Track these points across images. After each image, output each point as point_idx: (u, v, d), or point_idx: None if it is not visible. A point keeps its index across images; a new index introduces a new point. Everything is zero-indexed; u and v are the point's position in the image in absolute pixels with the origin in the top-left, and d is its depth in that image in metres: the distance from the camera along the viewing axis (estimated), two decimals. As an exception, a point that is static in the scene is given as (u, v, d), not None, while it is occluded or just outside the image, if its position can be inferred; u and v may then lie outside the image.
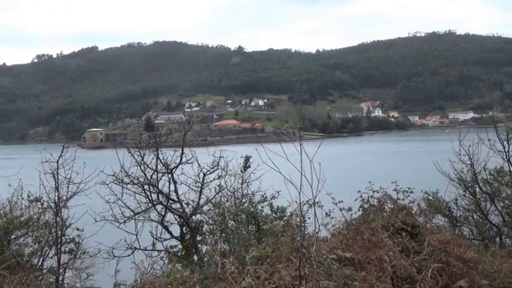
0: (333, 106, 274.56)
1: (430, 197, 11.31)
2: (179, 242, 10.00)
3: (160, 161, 9.94)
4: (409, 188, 8.61)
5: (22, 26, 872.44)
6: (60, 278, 9.56)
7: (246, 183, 10.73)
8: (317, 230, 6.27)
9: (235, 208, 10.03)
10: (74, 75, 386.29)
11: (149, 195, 9.81)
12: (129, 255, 9.33)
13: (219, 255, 6.60)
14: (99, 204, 9.56)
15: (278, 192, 9.89)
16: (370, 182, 8.47)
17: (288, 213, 9.23)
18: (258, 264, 5.86)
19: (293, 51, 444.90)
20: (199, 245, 9.89)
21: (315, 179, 5.37)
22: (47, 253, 10.29)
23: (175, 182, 10.07)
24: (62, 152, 9.66)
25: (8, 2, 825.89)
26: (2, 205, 10.77)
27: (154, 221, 9.88)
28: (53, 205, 9.80)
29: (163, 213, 9.90)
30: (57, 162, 9.56)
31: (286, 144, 5.90)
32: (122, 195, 9.56)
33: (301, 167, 5.36)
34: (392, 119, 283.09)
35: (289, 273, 5.45)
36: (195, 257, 9.55)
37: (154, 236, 9.88)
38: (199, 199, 10.15)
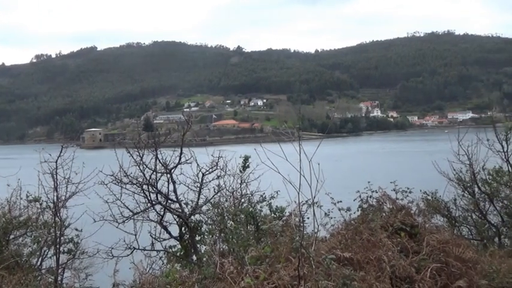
0: (331, 106, 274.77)
1: (429, 197, 11.31)
2: (178, 242, 9.99)
3: (159, 161, 9.93)
4: (408, 188, 8.61)
5: (21, 26, 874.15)
6: (59, 278, 9.55)
7: (245, 183, 10.73)
8: (316, 230, 6.28)
9: (234, 208, 10.02)
10: (73, 75, 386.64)
11: (148, 195, 9.80)
12: (128, 255, 9.33)
13: (218, 255, 6.60)
14: (98, 204, 9.55)
15: (277, 192, 9.89)
16: (369, 182, 8.46)
17: (287, 213, 9.23)
18: (257, 264, 5.85)
19: (292, 51, 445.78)
20: (198, 245, 9.89)
21: (314, 179, 5.37)
22: (45, 253, 10.28)
23: (174, 182, 10.07)
24: (60, 152, 9.66)
25: (7, 2, 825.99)
26: (0, 205, 10.79)
27: (153, 221, 9.88)
28: (51, 205, 9.79)
29: (162, 213, 9.89)
30: (56, 162, 9.56)
31: (285, 144, 5.90)
32: (121, 195, 9.56)
33: (300, 167, 5.36)
34: (391, 119, 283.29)
35: (288, 273, 5.45)
36: (194, 257, 9.55)
37: (153, 236, 9.87)
38: (198, 199, 10.15)
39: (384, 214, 7.60)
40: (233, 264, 6.01)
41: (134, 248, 9.49)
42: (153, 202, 9.85)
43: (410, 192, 8.57)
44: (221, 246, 8.49)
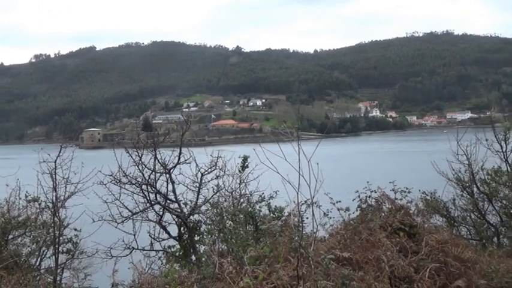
0: (330, 106, 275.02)
1: (428, 197, 11.31)
2: (177, 242, 9.99)
3: (158, 161, 9.93)
4: (406, 188, 8.60)
5: (21, 26, 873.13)
6: (58, 278, 9.55)
7: (244, 183, 10.74)
8: (315, 230, 6.28)
9: (233, 208, 10.03)
10: (72, 75, 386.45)
11: (147, 195, 9.80)
12: (127, 255, 9.33)
13: (217, 255, 6.60)
14: (97, 204, 9.55)
15: (276, 192, 9.88)
16: (368, 182, 8.46)
17: (286, 213, 9.22)
18: (256, 264, 5.85)
19: (291, 51, 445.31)
20: (197, 245, 9.89)
21: (313, 179, 5.37)
22: (44, 253, 10.28)
23: (173, 182, 10.07)
24: (59, 152, 9.64)
25: (7, 2, 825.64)
26: (-1, 205, 10.78)
27: (152, 221, 9.88)
28: (50, 205, 9.78)
29: (161, 213, 9.89)
30: (55, 162, 9.55)
31: (284, 144, 5.89)
32: (120, 195, 9.56)
33: (299, 167, 5.36)
34: (390, 119, 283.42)
35: (287, 273, 5.45)
36: (193, 257, 9.55)
37: (152, 236, 9.87)
38: (197, 199, 10.15)
39: (383, 214, 7.59)
40: (232, 264, 6.01)
41: (133, 248, 9.49)
42: (152, 202, 9.85)
43: (409, 192, 8.56)
44: (220, 246, 8.49)
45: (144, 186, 9.76)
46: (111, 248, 9.41)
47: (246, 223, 9.20)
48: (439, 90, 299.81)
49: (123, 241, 9.41)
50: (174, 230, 10.06)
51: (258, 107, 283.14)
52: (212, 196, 10.25)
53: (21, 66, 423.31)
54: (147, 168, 9.81)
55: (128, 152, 9.88)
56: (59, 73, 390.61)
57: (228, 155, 10.78)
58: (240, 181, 10.74)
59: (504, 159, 11.40)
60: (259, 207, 9.88)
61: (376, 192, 8.26)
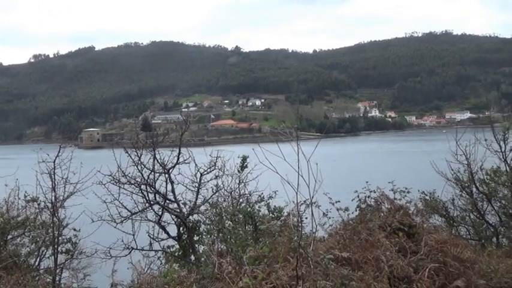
0: (330, 106, 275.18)
1: (427, 197, 11.31)
2: (176, 242, 9.98)
3: (157, 161, 9.92)
4: (406, 188, 8.60)
5: (20, 26, 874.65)
6: (57, 278, 9.54)
7: (243, 183, 10.74)
8: (314, 230, 6.27)
9: (233, 208, 10.03)
10: (71, 75, 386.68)
11: (146, 195, 9.79)
12: (126, 255, 9.32)
13: (216, 255, 6.60)
14: (96, 204, 9.53)
15: (275, 192, 9.88)
16: (367, 182, 8.46)
17: (285, 213, 9.22)
18: (255, 264, 5.85)
19: (290, 51, 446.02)
20: (196, 245, 9.88)
21: (312, 179, 5.37)
22: (43, 253, 10.27)
23: (172, 182, 10.06)
24: (58, 152, 9.63)
25: (7, 2, 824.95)
26: (-2, 205, 10.77)
27: (152, 221, 9.87)
28: (49, 205, 9.78)
29: (160, 213, 9.88)
30: (54, 162, 9.55)
31: (283, 144, 5.90)
32: (119, 195, 9.54)
33: (298, 167, 5.36)
34: (389, 119, 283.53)
35: (286, 273, 5.44)
36: (192, 257, 9.55)
37: (152, 236, 9.86)
38: (196, 199, 10.14)
39: (382, 214, 7.59)
40: (231, 264, 6.01)
41: (132, 248, 9.48)
42: (151, 202, 9.83)
43: (408, 192, 8.56)
44: (219, 246, 8.48)
45: (143, 186, 9.75)
46: (110, 248, 9.39)
47: (245, 223, 9.19)
48: (438, 90, 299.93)
49: (122, 241, 9.40)
50: (173, 230, 10.05)
51: (257, 107, 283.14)
52: (211, 196, 10.25)
53: (20, 66, 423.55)
54: (146, 168, 9.80)
55: (127, 152, 9.86)
56: (58, 73, 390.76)
57: (227, 155, 10.78)
58: (239, 181, 10.74)
59: (503, 159, 11.39)
60: (259, 207, 9.88)
61: (375, 192, 8.26)
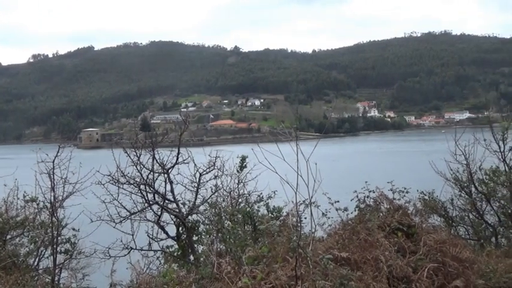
0: (329, 106, 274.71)
1: (426, 197, 11.33)
2: (175, 242, 9.98)
3: (156, 161, 9.91)
4: (405, 188, 8.61)
5: (19, 25, 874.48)
6: (56, 278, 9.53)
7: (242, 183, 10.74)
8: (313, 230, 6.27)
9: (232, 208, 10.03)
10: (70, 75, 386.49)
11: (145, 195, 9.78)
12: (125, 255, 9.31)
13: (215, 255, 6.60)
14: (95, 204, 9.53)
15: (274, 192, 9.89)
16: (366, 182, 8.48)
17: (284, 213, 9.24)
18: (254, 264, 5.85)
19: (289, 51, 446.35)
20: (195, 245, 9.88)
21: (311, 179, 5.37)
22: (42, 253, 10.27)
23: (171, 182, 10.05)
24: (57, 152, 9.63)
25: (7, 2, 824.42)
26: (-3, 205, 10.76)
27: (151, 221, 9.86)
28: (48, 205, 9.77)
29: (159, 213, 9.88)
30: (53, 162, 9.54)
31: (283, 144, 5.90)
32: (118, 195, 9.53)
33: (298, 167, 5.35)
34: (389, 119, 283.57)
35: (285, 273, 5.45)
36: (191, 257, 9.54)
37: (151, 236, 9.86)
38: (195, 199, 10.14)
39: (381, 214, 7.60)
40: (230, 264, 6.01)
41: (131, 248, 9.47)
42: (150, 202, 9.83)
43: (407, 192, 8.57)
44: (218, 246, 8.49)
45: (142, 186, 9.74)
46: (109, 248, 9.39)
47: (244, 223, 9.19)
48: (437, 90, 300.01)
49: (121, 241, 9.39)
50: (172, 230, 10.04)
51: (257, 107, 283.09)
52: (210, 196, 10.25)
53: (19, 66, 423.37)
54: (145, 168, 9.79)
55: (126, 152, 9.85)
56: (57, 73, 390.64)
57: (226, 155, 10.78)
58: (239, 181, 10.74)
59: (502, 159, 11.40)
60: (258, 207, 9.89)
61: (374, 192, 8.27)
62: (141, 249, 9.65)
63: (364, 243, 6.46)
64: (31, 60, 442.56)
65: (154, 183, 9.87)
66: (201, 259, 8.31)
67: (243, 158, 10.81)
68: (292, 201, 5.98)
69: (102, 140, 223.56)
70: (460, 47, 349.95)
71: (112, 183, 9.54)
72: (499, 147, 11.39)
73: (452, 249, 6.61)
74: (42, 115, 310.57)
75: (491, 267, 6.60)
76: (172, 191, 10.03)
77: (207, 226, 9.96)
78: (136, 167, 9.71)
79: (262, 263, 5.84)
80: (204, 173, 10.29)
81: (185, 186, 10.23)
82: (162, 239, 9.95)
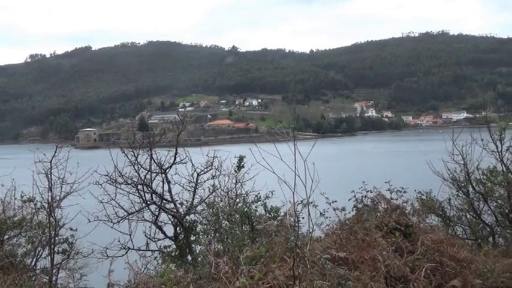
0: (326, 106, 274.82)
1: (424, 197, 11.32)
2: (173, 242, 9.97)
3: (154, 161, 9.91)
4: (402, 188, 8.62)
5: (16, 25, 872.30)
6: (54, 279, 9.52)
7: (239, 183, 10.72)
8: (311, 230, 6.27)
9: (229, 208, 10.02)
10: (68, 75, 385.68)
11: (143, 195, 9.77)
12: (123, 255, 9.29)
13: (213, 255, 6.60)
14: (93, 204, 9.52)
15: (272, 192, 9.89)
16: (363, 182, 8.48)
17: (282, 213, 9.23)
18: (252, 264, 5.85)
19: (287, 51, 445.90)
20: (193, 245, 9.88)
21: (309, 178, 5.37)
22: (40, 253, 10.25)
23: (169, 182, 10.05)
24: (55, 152, 9.62)
25: (5, 2, 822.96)
26: (-5, 205, 10.74)
27: (148, 221, 9.85)
28: (46, 205, 9.76)
29: (157, 213, 9.87)
30: (51, 162, 9.52)
31: (280, 144, 5.90)
32: (116, 195, 9.52)
33: (295, 167, 5.36)
34: (386, 119, 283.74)
35: (283, 273, 5.45)
36: (189, 257, 9.54)
37: (148, 236, 9.85)
38: (193, 199, 10.13)
39: (379, 214, 7.61)
40: (228, 264, 6.01)
41: (129, 248, 9.46)
42: (148, 202, 9.82)
43: (405, 192, 8.58)
44: (216, 246, 8.48)
45: (139, 186, 9.73)
46: (107, 248, 9.37)
47: (242, 223, 9.20)
48: (434, 90, 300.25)
49: (119, 241, 9.37)
50: (170, 230, 10.04)
51: (254, 107, 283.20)
52: (208, 196, 10.24)
53: (17, 66, 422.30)
54: (143, 168, 9.79)
55: (123, 152, 9.85)
56: (55, 73, 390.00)
57: (224, 155, 10.76)
58: (236, 181, 10.72)
59: (499, 159, 11.40)
60: (255, 207, 9.88)
61: (372, 192, 8.28)
62: (139, 249, 9.63)
63: (361, 243, 6.46)
64: (28, 60, 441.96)
65: (152, 183, 9.87)
66: (199, 259, 8.32)
67: (241, 158, 10.81)
68: (290, 201, 5.99)
69: (99, 140, 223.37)
70: (457, 47, 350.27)
71: (110, 183, 9.53)
72: (497, 147, 11.38)
73: (450, 249, 6.63)
74: (39, 115, 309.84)
75: (489, 267, 6.61)
76: (170, 191, 10.02)
77: (205, 226, 9.95)
78: (134, 167, 9.71)
79: (260, 263, 5.85)
80: (202, 173, 10.28)
81: (183, 186, 10.22)
82: (159, 239, 9.94)
